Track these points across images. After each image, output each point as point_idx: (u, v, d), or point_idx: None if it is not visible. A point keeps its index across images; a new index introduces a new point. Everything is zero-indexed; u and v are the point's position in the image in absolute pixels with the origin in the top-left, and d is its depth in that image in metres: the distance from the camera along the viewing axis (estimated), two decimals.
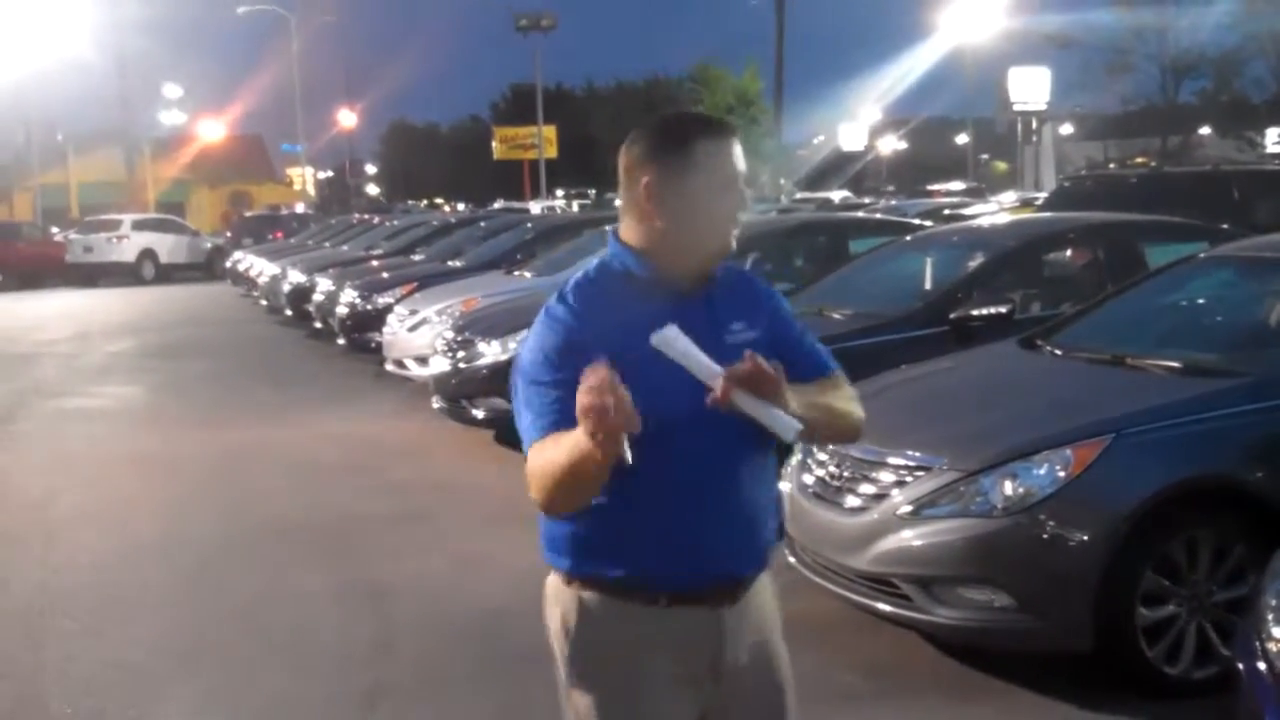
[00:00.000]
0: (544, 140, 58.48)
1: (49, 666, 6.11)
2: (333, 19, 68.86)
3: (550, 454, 2.53)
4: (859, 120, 62.58)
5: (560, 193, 62.48)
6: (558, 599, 2.80)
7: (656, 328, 2.54)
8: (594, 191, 68.16)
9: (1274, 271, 6.99)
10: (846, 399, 2.89)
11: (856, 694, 5.49)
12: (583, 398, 2.32)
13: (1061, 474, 5.25)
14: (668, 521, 2.66)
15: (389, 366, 13.80)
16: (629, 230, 2.78)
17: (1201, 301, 7.27)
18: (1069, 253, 9.68)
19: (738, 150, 2.74)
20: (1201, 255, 7.41)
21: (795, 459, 6.38)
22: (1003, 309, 8.05)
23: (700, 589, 2.73)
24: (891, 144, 73.85)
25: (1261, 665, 3.75)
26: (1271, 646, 3.74)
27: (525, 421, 2.67)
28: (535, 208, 41.27)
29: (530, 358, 2.69)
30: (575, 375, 2.42)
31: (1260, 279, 7.06)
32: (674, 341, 2.53)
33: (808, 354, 2.90)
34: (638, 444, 2.38)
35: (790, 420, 2.55)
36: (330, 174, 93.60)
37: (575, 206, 50.89)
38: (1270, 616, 3.81)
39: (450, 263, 17.52)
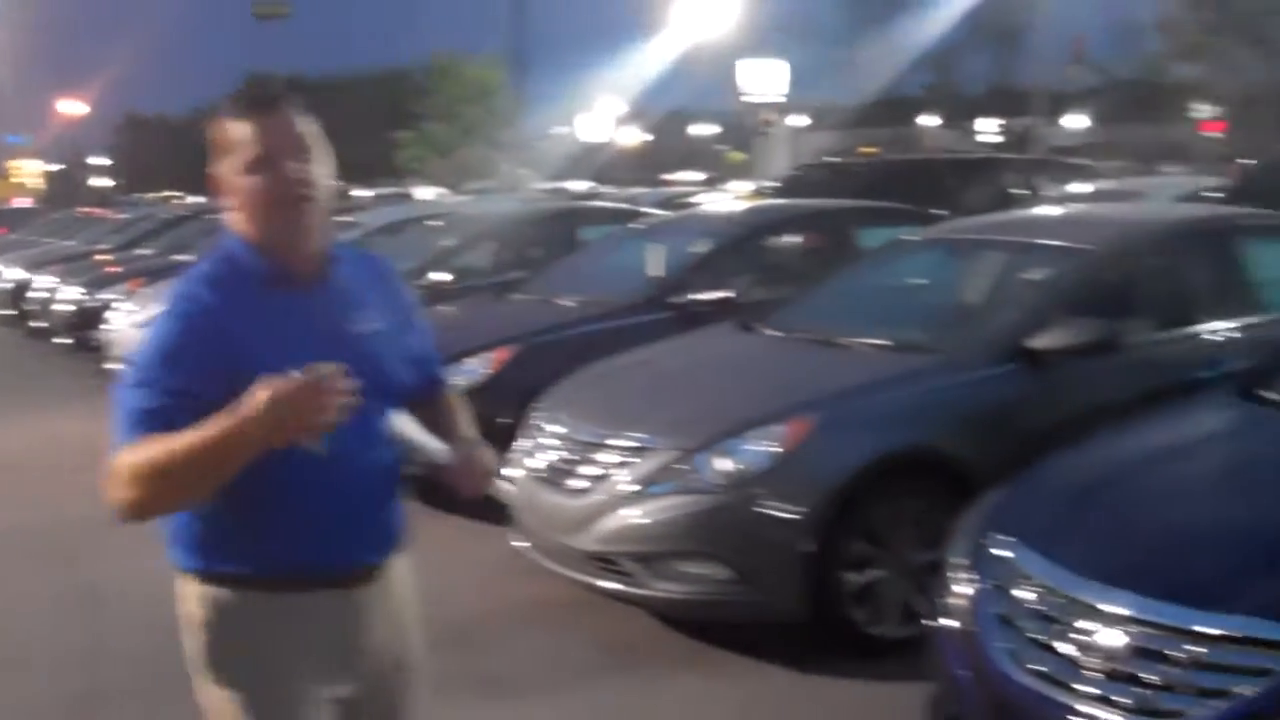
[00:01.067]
0: None
1: None
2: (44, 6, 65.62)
3: (164, 448, 2.40)
4: (599, 111, 62.98)
5: None
6: (192, 599, 2.71)
7: (278, 322, 2.57)
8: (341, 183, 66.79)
9: (974, 252, 7.36)
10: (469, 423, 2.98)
11: (589, 671, 5.60)
12: (301, 389, 2.32)
13: (775, 450, 5.45)
14: (302, 512, 2.60)
15: (110, 365, 13.31)
16: (234, 219, 2.68)
17: (910, 282, 7.59)
18: (792, 238, 9.97)
19: (275, 124, 2.59)
20: (908, 238, 7.74)
21: (524, 444, 6.44)
22: (726, 294, 8.27)
23: (336, 576, 2.71)
24: (633, 135, 74.56)
25: (945, 621, 3.96)
26: (953, 602, 3.96)
27: (128, 415, 2.51)
28: None
29: (148, 353, 2.55)
30: (184, 381, 2.46)
31: (962, 260, 7.42)
32: (401, 427, 2.67)
33: (427, 354, 2.94)
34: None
35: (442, 446, 2.74)
36: (62, 167, 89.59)
37: None
38: (952, 575, 4.04)
39: (177, 257, 16.95)
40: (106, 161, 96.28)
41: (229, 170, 2.61)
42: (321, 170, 2.63)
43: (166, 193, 69.05)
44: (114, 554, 7.52)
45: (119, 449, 2.49)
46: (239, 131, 2.59)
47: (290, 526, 2.62)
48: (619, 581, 5.69)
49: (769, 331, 6.91)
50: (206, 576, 2.67)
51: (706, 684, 5.38)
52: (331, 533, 2.66)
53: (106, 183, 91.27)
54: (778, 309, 7.27)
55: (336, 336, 2.63)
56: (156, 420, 2.45)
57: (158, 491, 2.44)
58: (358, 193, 36.59)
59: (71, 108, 74.50)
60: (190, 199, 50.75)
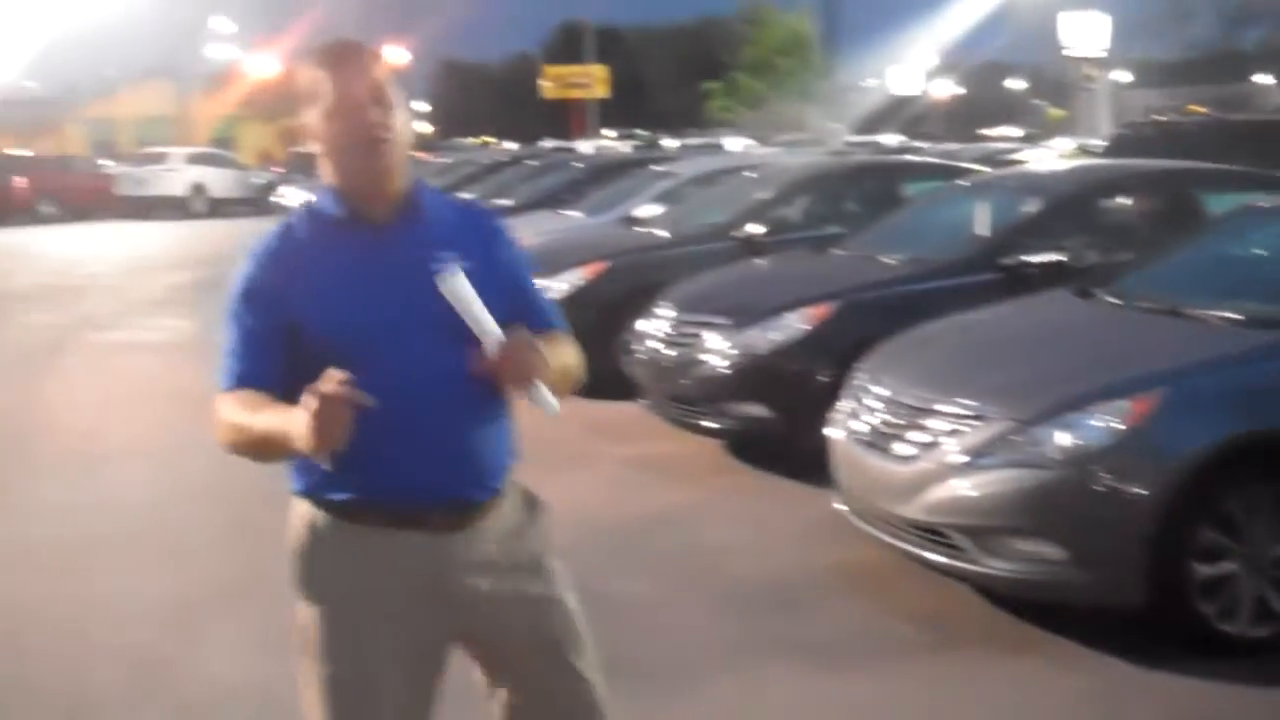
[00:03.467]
0: (594, 80, 57.91)
1: (92, 600, 6.11)
2: None
3: (247, 420, 2.69)
4: (910, 63, 61.70)
5: (612, 133, 61.77)
6: (296, 517, 2.88)
7: (350, 259, 2.74)
8: (645, 132, 67.37)
9: None
10: (574, 357, 2.95)
11: (910, 645, 5.43)
12: (313, 407, 2.42)
13: (1118, 426, 5.15)
14: (380, 446, 2.63)
15: None
16: (322, 166, 2.82)
17: (1262, 251, 7.07)
18: (1127, 200, 9.48)
19: (352, 74, 2.72)
20: (1261, 204, 7.23)
21: (846, 405, 6.32)
22: (1058, 256, 7.91)
23: (417, 514, 2.78)
24: (946, 88, 72.80)
25: None
26: None
27: (223, 355, 2.82)
28: (585, 147, 40.96)
29: (232, 293, 2.81)
30: (262, 321, 2.73)
31: None
32: (457, 289, 2.63)
33: (535, 303, 2.95)
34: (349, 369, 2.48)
35: (550, 398, 2.70)
36: None
37: (627, 147, 50.47)
38: None
39: (499, 200, 17.37)
40: (426, 107, 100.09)
41: (313, 118, 2.75)
42: (398, 115, 2.75)
43: (484, 138, 71.34)
44: None
45: (219, 390, 2.79)
46: (321, 82, 2.72)
47: (370, 462, 2.66)
48: (946, 554, 5.50)
49: (1108, 299, 6.55)
50: (305, 498, 2.86)
51: (1034, 669, 5.13)
52: (410, 469, 2.73)
53: (426, 128, 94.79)
54: (1117, 275, 6.90)
55: (409, 272, 2.71)
56: (241, 361, 2.77)
57: (242, 451, 2.74)
58: (667, 142, 36.77)
59: (395, 55, 77.37)
60: (506, 144, 52.24)
